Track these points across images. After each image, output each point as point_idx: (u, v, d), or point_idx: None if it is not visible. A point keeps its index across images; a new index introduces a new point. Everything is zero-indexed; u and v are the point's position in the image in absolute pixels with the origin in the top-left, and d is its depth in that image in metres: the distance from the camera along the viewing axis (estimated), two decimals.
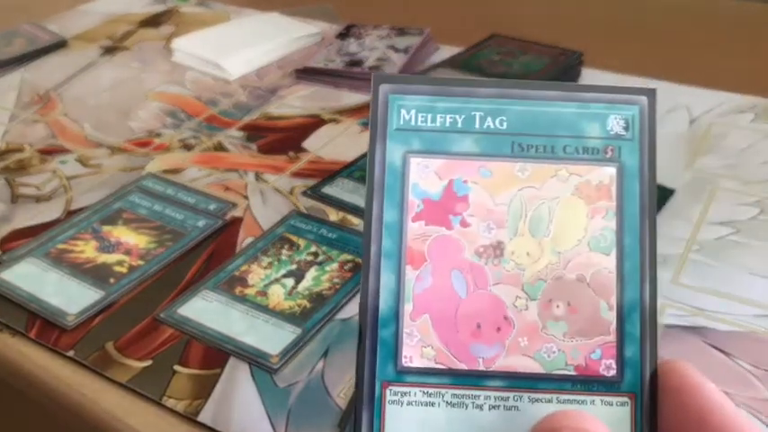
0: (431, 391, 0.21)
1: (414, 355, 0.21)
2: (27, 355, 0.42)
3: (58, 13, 0.90)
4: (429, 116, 0.22)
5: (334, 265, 0.46)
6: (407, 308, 0.21)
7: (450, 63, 0.64)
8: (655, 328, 0.21)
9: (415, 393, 0.21)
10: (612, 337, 0.21)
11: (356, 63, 0.69)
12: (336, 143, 0.60)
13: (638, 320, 0.21)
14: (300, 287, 0.44)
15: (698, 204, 0.50)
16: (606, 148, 0.22)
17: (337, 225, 0.50)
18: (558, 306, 0.21)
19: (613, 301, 0.21)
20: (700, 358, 0.39)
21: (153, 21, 0.87)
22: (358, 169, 0.56)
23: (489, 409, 0.21)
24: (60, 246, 0.49)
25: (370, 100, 0.23)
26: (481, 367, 0.21)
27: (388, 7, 0.86)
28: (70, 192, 0.56)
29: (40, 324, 0.43)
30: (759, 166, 0.54)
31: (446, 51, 0.70)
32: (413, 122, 0.22)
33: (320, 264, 0.46)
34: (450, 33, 0.74)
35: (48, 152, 0.61)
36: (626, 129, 0.22)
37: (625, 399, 0.21)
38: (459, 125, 0.22)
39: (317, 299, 0.43)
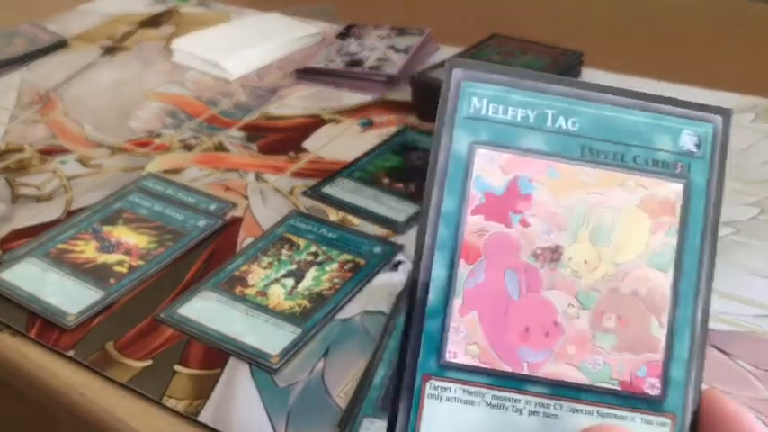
0: (472, 389, 0.21)
1: (458, 351, 0.21)
2: (27, 354, 0.42)
3: (59, 14, 0.90)
4: (501, 107, 0.22)
5: (335, 265, 0.46)
6: (457, 302, 0.21)
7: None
8: (703, 351, 0.21)
9: (456, 390, 0.21)
10: (660, 356, 0.21)
11: (356, 63, 0.69)
12: (336, 143, 0.60)
13: (687, 341, 0.21)
14: (300, 287, 0.44)
15: None
16: (676, 164, 0.22)
17: (337, 225, 0.50)
18: (609, 318, 0.21)
19: (665, 319, 0.21)
20: None
21: (153, 21, 0.87)
22: (358, 169, 0.56)
23: (529, 414, 0.21)
24: (60, 246, 0.49)
25: (442, 86, 0.21)
26: (525, 371, 0.21)
27: (389, 7, 0.86)
28: (70, 192, 0.56)
29: (41, 324, 0.43)
30: (759, 166, 0.54)
31: (446, 51, 0.70)
32: (483, 112, 0.22)
33: (320, 264, 0.46)
34: (450, 33, 0.74)
35: (48, 152, 0.61)
36: (698, 146, 0.22)
37: (666, 419, 0.21)
38: (531, 121, 0.22)
39: (317, 299, 0.43)
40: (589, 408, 0.21)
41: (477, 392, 0.21)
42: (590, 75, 0.66)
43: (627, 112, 0.22)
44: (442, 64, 0.65)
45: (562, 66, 0.63)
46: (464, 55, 0.66)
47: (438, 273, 0.21)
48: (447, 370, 0.21)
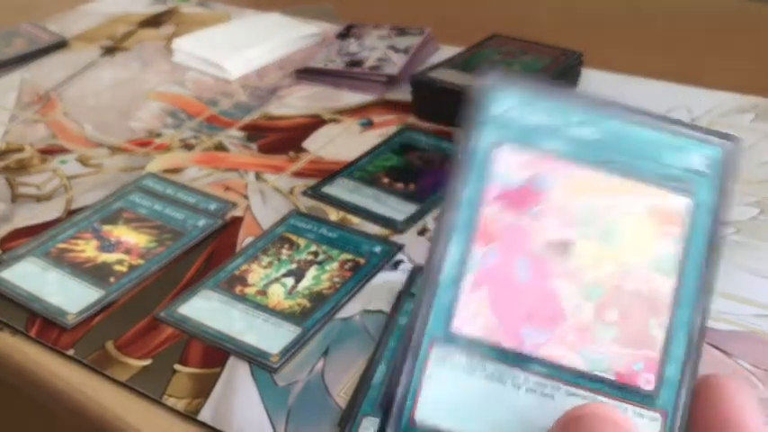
0: (475, 360, 0.22)
1: (466, 323, 0.22)
2: (27, 354, 0.42)
3: (59, 13, 0.90)
4: (525, 111, 0.23)
5: (335, 265, 0.46)
6: (469, 279, 0.22)
7: (451, 63, 0.64)
8: (698, 355, 0.22)
9: (459, 358, 0.22)
10: (657, 354, 0.22)
11: (356, 63, 0.70)
12: (336, 143, 0.60)
13: (683, 344, 0.22)
14: (300, 286, 0.44)
15: None
16: (685, 180, 0.23)
17: (337, 225, 0.50)
18: (611, 312, 0.22)
19: (664, 321, 0.22)
20: None
21: (153, 21, 0.87)
22: (358, 169, 0.56)
23: (526, 391, 0.21)
24: (61, 245, 0.49)
25: (472, 88, 0.23)
26: (527, 350, 0.22)
27: (389, 7, 0.86)
28: (70, 191, 0.56)
29: (41, 323, 0.43)
30: (759, 166, 0.54)
31: (447, 51, 0.70)
32: (509, 114, 0.23)
33: (320, 263, 0.46)
34: (450, 33, 0.74)
35: (48, 152, 0.61)
36: (707, 167, 0.23)
37: (657, 414, 0.21)
38: (553, 126, 0.23)
39: (317, 298, 0.43)
40: (584, 393, 0.21)
41: (480, 364, 0.22)
42: (590, 75, 0.66)
43: (643, 128, 0.23)
44: (442, 64, 0.65)
45: (562, 66, 0.63)
46: (465, 55, 0.66)
47: (453, 252, 0.22)
48: (454, 339, 0.22)
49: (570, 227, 0.23)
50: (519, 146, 0.23)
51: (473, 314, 0.22)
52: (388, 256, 0.46)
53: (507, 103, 0.23)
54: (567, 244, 0.23)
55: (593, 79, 0.66)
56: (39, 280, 0.46)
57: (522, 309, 0.22)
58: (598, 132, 0.23)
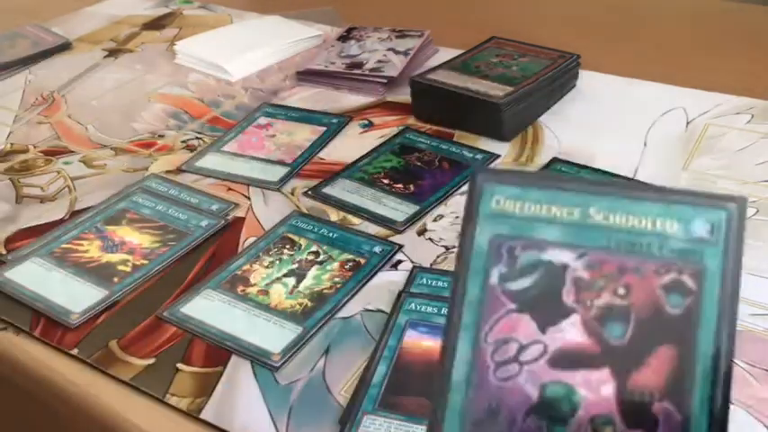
0: None
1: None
2: (31, 353, 0.42)
3: (63, 16, 0.91)
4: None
5: (335, 265, 0.46)
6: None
7: (450, 65, 0.65)
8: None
9: None
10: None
11: (357, 65, 0.70)
12: (337, 144, 0.61)
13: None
14: (301, 286, 0.45)
15: None
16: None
17: (338, 225, 0.50)
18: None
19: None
20: None
21: (156, 23, 0.88)
22: (358, 170, 0.56)
23: None
24: (65, 245, 0.49)
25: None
26: None
27: (389, 10, 0.86)
28: (74, 192, 0.56)
29: (45, 322, 0.43)
30: (755, 167, 0.54)
31: (446, 54, 0.71)
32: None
33: (321, 263, 0.47)
34: (449, 36, 0.75)
35: (52, 153, 0.62)
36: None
37: None
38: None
39: (318, 298, 0.44)
40: None
41: None
42: (588, 77, 0.67)
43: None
44: (441, 66, 0.65)
45: (560, 68, 0.64)
46: (463, 57, 0.67)
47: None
48: None
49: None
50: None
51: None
52: (388, 256, 0.47)
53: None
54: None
55: (591, 81, 0.67)
56: (43, 280, 0.46)
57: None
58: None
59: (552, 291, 0.23)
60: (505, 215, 0.23)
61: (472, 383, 0.22)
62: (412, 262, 0.46)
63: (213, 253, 0.49)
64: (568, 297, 0.23)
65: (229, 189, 0.56)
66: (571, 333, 0.22)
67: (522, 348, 0.22)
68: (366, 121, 0.64)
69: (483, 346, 0.22)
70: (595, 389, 0.22)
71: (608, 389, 0.22)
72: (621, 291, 0.22)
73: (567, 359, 0.22)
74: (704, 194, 0.23)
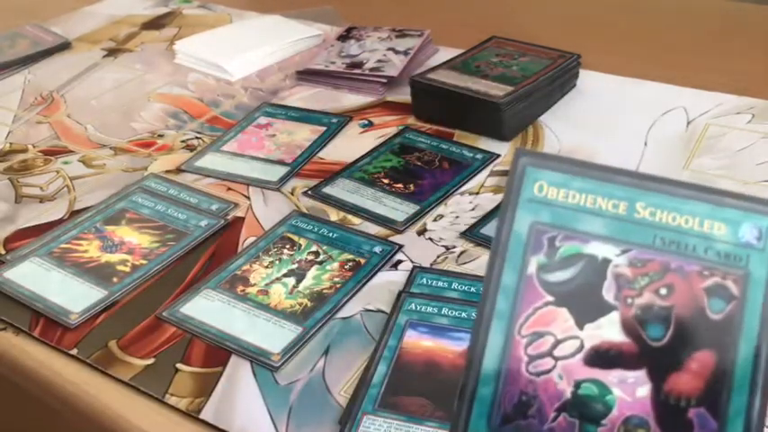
0: None
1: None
2: (30, 353, 0.42)
3: (62, 15, 0.90)
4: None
5: (335, 265, 0.46)
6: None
7: (450, 65, 0.65)
8: None
9: None
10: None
11: (357, 65, 0.70)
12: (337, 144, 0.61)
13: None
14: (301, 286, 0.45)
15: None
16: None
17: (338, 225, 0.50)
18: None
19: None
20: None
21: (156, 23, 0.88)
22: (358, 170, 0.56)
23: None
24: (64, 245, 0.49)
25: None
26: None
27: (389, 9, 0.86)
28: (74, 192, 0.56)
29: (44, 323, 0.43)
30: (756, 166, 0.54)
31: (446, 53, 0.71)
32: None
33: (321, 263, 0.47)
34: (449, 35, 0.75)
35: (51, 153, 0.62)
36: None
37: None
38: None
39: (318, 298, 0.44)
40: None
41: None
42: (588, 77, 0.67)
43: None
44: (441, 66, 0.65)
45: (560, 68, 0.64)
46: (463, 57, 0.67)
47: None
48: None
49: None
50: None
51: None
52: (388, 256, 0.47)
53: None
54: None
55: (591, 81, 0.67)
56: (42, 280, 0.46)
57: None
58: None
59: (592, 286, 0.22)
60: (547, 202, 0.22)
61: (503, 376, 0.21)
62: (412, 262, 0.46)
63: (213, 253, 0.49)
64: (608, 293, 0.22)
65: (229, 189, 0.55)
66: (609, 331, 0.22)
67: (557, 343, 0.22)
68: (366, 121, 0.64)
69: (517, 338, 0.22)
70: (631, 390, 0.21)
71: (644, 391, 0.21)
72: (663, 291, 0.22)
73: (604, 358, 0.22)
74: (755, 199, 0.22)
